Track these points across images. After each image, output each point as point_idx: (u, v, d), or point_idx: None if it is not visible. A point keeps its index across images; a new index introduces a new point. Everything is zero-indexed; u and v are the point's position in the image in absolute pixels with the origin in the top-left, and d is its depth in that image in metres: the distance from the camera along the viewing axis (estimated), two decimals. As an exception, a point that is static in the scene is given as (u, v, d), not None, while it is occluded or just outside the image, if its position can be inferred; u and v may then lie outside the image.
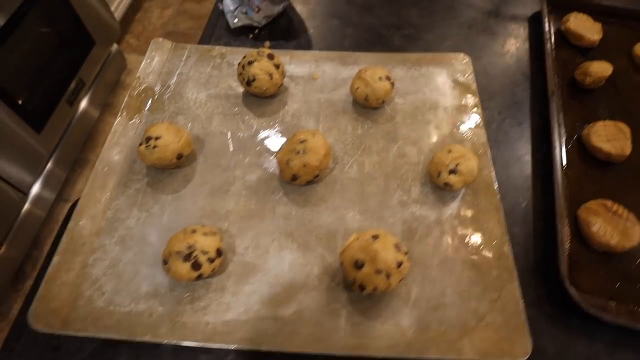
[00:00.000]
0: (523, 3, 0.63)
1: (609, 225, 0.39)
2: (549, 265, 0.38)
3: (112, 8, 1.24)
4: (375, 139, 0.45)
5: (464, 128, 0.46)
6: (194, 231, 0.33)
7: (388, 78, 0.46)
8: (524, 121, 0.49)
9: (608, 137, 0.45)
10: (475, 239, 0.39)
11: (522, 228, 0.41)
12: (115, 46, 1.23)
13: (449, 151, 0.40)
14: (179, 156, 0.40)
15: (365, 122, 0.47)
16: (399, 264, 0.33)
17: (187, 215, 0.38)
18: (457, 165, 0.39)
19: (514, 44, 0.58)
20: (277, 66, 0.47)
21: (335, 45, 0.56)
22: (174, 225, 0.37)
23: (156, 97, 0.48)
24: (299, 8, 0.60)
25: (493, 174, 0.42)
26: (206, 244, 0.33)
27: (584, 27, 0.56)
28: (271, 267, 0.36)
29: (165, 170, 0.41)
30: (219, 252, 0.34)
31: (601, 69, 0.50)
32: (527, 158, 0.46)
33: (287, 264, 0.36)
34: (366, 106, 0.47)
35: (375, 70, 0.46)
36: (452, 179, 0.39)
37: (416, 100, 0.48)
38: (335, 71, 0.51)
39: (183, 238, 0.32)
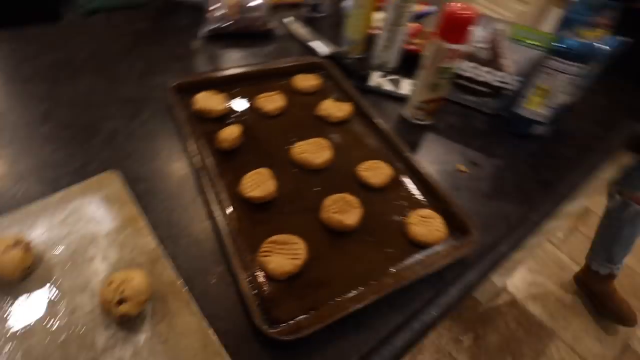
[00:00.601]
0: (158, 99, 0.69)
1: (280, 256, 0.46)
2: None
3: None
4: (34, 314, 0.40)
5: (130, 244, 0.46)
6: None
7: (19, 242, 0.42)
8: (195, 203, 0.54)
9: (255, 184, 0.54)
10: (175, 344, 0.39)
11: (221, 303, 0.44)
12: None
13: (110, 283, 0.40)
14: None
15: (14, 303, 0.41)
16: None
17: None
18: (122, 293, 0.39)
19: (160, 137, 0.63)
20: None
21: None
22: None
23: None
24: None
25: (173, 272, 0.44)
26: None
27: (210, 102, 0.66)
28: None
29: None
30: None
31: (230, 132, 0.59)
32: (204, 236, 0.50)
33: None
34: (7, 283, 0.42)
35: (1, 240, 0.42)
36: (124, 308, 0.39)
37: (72, 244, 0.46)
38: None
39: None
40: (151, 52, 0.79)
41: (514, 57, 0.72)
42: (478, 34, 0.74)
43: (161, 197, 0.54)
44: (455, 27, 0.61)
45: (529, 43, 0.70)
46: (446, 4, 0.61)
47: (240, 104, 0.69)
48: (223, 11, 0.86)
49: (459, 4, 0.60)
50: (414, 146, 0.68)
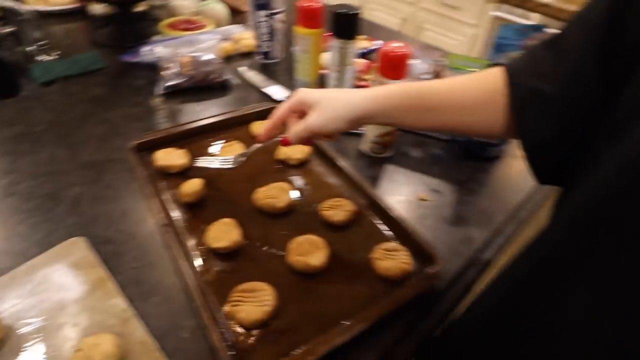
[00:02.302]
0: (119, 160, 0.74)
1: (249, 304, 0.50)
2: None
3: None
4: (7, 388, 0.43)
5: (100, 308, 0.50)
6: None
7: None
8: (162, 260, 0.57)
9: (221, 234, 0.58)
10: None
11: (195, 357, 0.47)
12: None
13: (78, 350, 0.43)
14: None
15: (-12, 377, 0.44)
16: None
17: None
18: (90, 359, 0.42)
19: (125, 198, 0.67)
20: None
21: None
22: None
23: None
24: None
25: (144, 331, 0.47)
26: None
27: (170, 158, 0.71)
28: None
29: None
30: None
31: (191, 186, 0.64)
32: (173, 292, 0.54)
33: None
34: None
35: (-34, 320, 0.45)
36: (96, 374, 0.42)
37: (42, 313, 0.49)
38: None
39: None
40: (109, 116, 0.85)
41: (458, 86, 0.81)
42: (420, 66, 0.82)
43: (129, 257, 0.57)
44: (392, 65, 0.69)
45: (469, 70, 0.78)
46: (384, 43, 0.69)
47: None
48: (177, 68, 0.93)
49: (393, 43, 0.68)
50: (374, 180, 0.75)
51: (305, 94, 0.55)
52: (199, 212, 0.64)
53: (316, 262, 0.56)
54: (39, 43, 0.98)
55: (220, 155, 0.71)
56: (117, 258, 0.57)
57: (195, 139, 0.78)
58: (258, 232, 0.62)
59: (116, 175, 0.71)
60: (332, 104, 0.53)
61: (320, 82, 0.95)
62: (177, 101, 0.92)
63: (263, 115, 0.85)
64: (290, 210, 0.65)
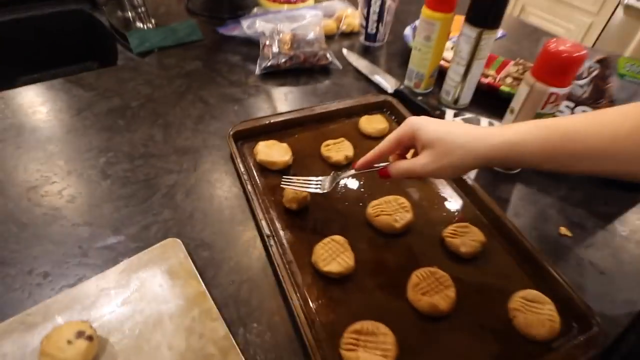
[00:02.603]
0: (216, 147, 0.67)
1: (367, 351, 0.42)
2: None
3: None
4: (99, 415, 0.38)
5: (198, 330, 0.43)
6: None
7: (82, 333, 0.40)
8: (265, 276, 0.50)
9: (331, 255, 0.50)
10: None
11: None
12: None
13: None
14: None
15: (79, 397, 0.39)
16: None
17: None
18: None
19: (222, 193, 0.60)
20: None
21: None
22: None
23: None
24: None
25: (247, 368, 0.41)
26: None
27: (272, 153, 0.63)
28: None
29: None
30: None
31: (298, 192, 0.56)
32: (278, 318, 0.46)
33: None
34: (73, 375, 0.40)
35: (61, 331, 0.40)
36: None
37: (136, 326, 0.44)
38: (21, 345, 0.42)
39: None
40: (205, 94, 0.79)
41: (621, 96, 0.65)
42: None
43: (226, 269, 0.51)
44: (559, 69, 0.55)
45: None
46: (547, 40, 0.56)
47: (305, 153, 0.66)
48: (277, 47, 0.84)
49: (563, 42, 0.55)
50: (502, 202, 0.63)
51: (418, 128, 0.46)
52: (304, 222, 0.56)
53: (444, 305, 0.46)
54: (139, 10, 0.94)
55: (311, 176, 0.60)
56: (213, 268, 0.51)
57: (297, 130, 0.70)
58: (370, 255, 0.53)
59: (212, 165, 0.64)
60: (449, 149, 0.43)
61: (438, 76, 0.82)
62: (276, 83, 0.84)
63: (373, 108, 0.75)
64: (407, 230, 0.56)
